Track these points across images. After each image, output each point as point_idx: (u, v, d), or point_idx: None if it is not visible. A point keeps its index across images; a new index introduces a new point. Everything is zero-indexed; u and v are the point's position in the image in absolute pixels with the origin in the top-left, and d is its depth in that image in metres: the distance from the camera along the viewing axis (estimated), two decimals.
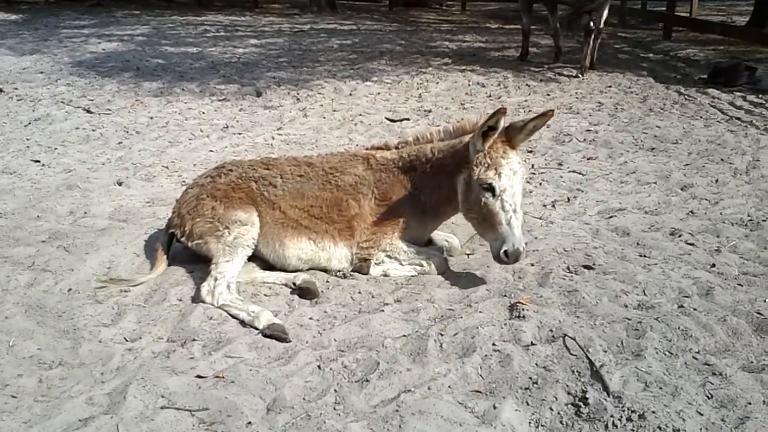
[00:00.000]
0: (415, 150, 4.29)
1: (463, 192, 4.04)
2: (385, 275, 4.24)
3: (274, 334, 3.55)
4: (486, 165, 3.85)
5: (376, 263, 4.24)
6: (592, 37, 10.76)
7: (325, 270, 4.28)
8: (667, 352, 3.30)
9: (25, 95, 9.49)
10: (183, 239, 4.21)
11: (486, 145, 3.88)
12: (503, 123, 3.83)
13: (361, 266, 4.25)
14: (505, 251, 3.81)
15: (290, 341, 3.51)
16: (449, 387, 3.06)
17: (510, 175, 3.86)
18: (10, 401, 3.00)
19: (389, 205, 4.24)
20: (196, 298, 3.89)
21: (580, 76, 10.86)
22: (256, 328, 3.61)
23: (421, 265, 4.24)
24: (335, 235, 4.21)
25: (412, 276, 4.23)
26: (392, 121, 8.29)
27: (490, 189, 3.85)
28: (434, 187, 4.22)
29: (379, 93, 9.96)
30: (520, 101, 9.32)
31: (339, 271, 4.26)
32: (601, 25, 10.85)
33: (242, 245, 4.03)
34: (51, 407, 2.96)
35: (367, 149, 4.58)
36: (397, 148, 4.39)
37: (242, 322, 3.69)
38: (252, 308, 3.73)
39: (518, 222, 3.86)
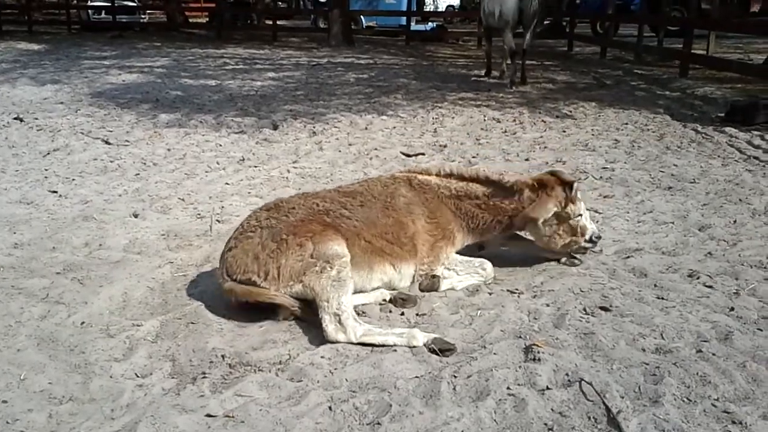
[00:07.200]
0: (463, 186, 4.62)
1: (550, 225, 4.71)
2: (452, 289, 4.48)
3: (443, 346, 3.67)
4: (578, 205, 4.75)
5: (444, 278, 4.49)
6: (518, 57, 13.72)
7: (392, 289, 4.43)
8: (685, 399, 3.22)
9: (45, 125, 9.62)
10: (264, 285, 3.92)
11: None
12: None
13: (432, 283, 4.45)
14: (593, 241, 4.84)
15: (456, 348, 3.69)
16: None
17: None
18: None
19: (438, 222, 4.53)
20: (323, 342, 3.73)
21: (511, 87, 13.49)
22: (415, 347, 3.70)
23: (478, 273, 4.56)
24: (405, 256, 4.40)
25: (473, 284, 4.52)
26: (407, 155, 8.31)
27: (580, 215, 4.76)
28: (485, 219, 4.66)
29: (394, 127, 10.00)
30: (536, 137, 9.32)
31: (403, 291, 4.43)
32: (525, 47, 13.76)
33: (347, 278, 3.91)
34: None
35: (401, 172, 4.84)
36: (438, 175, 4.66)
37: (392, 346, 3.71)
38: (395, 330, 3.81)
39: None
